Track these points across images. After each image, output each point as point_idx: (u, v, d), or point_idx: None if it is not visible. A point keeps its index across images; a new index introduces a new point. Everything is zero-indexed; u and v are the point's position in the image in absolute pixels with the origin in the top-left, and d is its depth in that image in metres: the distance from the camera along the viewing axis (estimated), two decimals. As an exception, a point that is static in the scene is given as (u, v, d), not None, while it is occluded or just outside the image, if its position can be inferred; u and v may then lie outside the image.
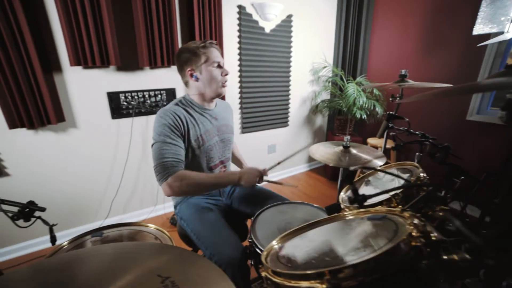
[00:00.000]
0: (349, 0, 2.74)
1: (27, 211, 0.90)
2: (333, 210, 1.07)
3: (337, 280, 0.42)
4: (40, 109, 1.62)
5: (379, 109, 2.55)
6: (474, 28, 1.78)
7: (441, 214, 0.69)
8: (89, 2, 1.56)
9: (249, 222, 1.20)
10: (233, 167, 1.45)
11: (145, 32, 1.78)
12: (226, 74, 1.17)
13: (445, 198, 0.75)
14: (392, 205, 0.71)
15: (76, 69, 1.73)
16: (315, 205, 1.20)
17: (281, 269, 0.51)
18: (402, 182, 0.83)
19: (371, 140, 2.60)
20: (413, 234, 0.46)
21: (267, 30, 2.43)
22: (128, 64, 1.87)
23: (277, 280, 0.51)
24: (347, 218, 0.70)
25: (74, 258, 0.56)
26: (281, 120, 2.85)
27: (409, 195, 0.75)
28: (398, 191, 0.71)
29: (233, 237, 1.02)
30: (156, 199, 2.32)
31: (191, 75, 1.14)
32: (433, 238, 0.45)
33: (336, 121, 2.90)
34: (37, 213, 0.93)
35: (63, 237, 1.95)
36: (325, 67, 2.84)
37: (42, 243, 1.90)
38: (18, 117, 1.57)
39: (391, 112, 1.34)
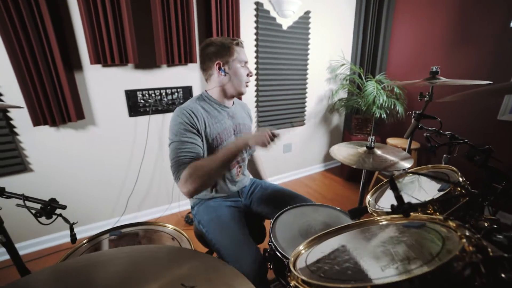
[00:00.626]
0: (369, -5, 2.64)
1: (49, 209, 0.91)
2: (357, 213, 1.02)
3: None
4: (62, 107, 1.66)
5: (399, 108, 2.45)
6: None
7: (486, 224, 0.63)
8: (109, 1, 1.57)
9: (267, 223, 1.17)
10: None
11: (163, 30, 1.77)
12: (251, 75, 1.17)
13: (482, 205, 0.69)
14: (428, 211, 0.65)
15: (96, 67, 1.75)
16: (337, 207, 1.16)
17: (314, 280, 0.47)
18: (434, 186, 0.77)
19: (391, 140, 2.50)
20: (466, 248, 0.41)
21: (285, 27, 2.37)
22: (146, 62, 1.88)
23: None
24: (379, 223, 0.65)
25: (94, 261, 0.54)
26: (297, 119, 2.79)
27: (446, 202, 0.69)
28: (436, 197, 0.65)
29: (253, 248, 0.99)
30: (171, 197, 2.33)
31: (219, 68, 1.11)
32: (490, 254, 0.40)
33: (354, 120, 2.81)
34: (58, 211, 0.93)
35: (82, 233, 2.00)
36: (343, 64, 2.76)
37: (63, 237, 1.95)
38: (41, 114, 1.61)
39: (418, 111, 1.27)
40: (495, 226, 0.62)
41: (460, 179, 0.70)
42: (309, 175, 3.15)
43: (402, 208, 0.41)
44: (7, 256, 0.93)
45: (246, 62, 1.15)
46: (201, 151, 1.05)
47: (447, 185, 0.69)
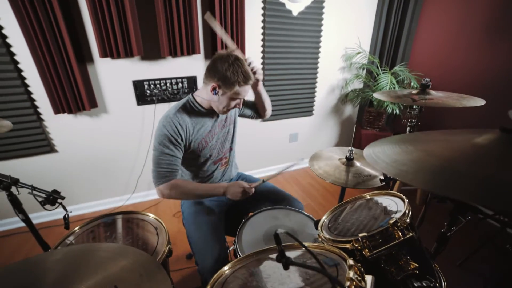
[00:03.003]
0: (397, -27, 2.35)
1: (51, 198, 1.08)
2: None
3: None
4: (76, 97, 1.83)
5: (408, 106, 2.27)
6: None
7: (410, 267, 0.64)
8: (112, -4, 1.62)
9: None
10: (244, 149, 1.48)
11: (165, 23, 1.80)
12: (239, 108, 1.23)
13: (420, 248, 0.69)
14: (359, 247, 0.68)
15: (106, 60, 1.87)
16: (306, 214, 1.20)
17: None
18: (381, 218, 0.77)
19: (402, 138, 2.37)
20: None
21: (295, 13, 2.25)
22: (151, 54, 1.95)
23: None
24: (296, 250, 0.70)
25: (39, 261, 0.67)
26: (305, 109, 2.74)
27: (385, 235, 0.70)
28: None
29: (219, 247, 1.08)
30: (178, 179, 2.52)
31: (213, 89, 1.10)
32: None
33: (366, 113, 2.68)
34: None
35: (97, 206, 2.31)
36: (359, 53, 2.57)
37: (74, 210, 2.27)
38: (60, 104, 1.80)
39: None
40: (416, 272, 0.63)
41: (402, 214, 0.70)
42: (295, 169, 3.10)
43: (281, 261, 0.46)
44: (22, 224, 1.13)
45: (242, 98, 1.16)
46: (179, 163, 1.16)
47: (386, 222, 0.70)
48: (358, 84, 2.83)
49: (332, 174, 1.15)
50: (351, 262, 0.57)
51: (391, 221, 0.69)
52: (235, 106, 1.16)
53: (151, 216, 1.18)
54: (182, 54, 1.94)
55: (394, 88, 2.25)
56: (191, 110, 1.19)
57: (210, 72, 1.09)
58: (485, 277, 1.56)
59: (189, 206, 1.31)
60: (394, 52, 2.62)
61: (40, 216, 2.13)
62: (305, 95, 2.65)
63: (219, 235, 1.16)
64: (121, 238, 1.05)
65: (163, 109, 2.17)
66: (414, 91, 1.09)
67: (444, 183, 0.50)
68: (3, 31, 1.60)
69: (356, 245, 0.70)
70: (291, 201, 1.32)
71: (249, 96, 1.25)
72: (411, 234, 0.67)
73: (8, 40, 1.62)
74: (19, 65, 1.70)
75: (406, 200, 0.79)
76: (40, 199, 1.09)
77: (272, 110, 2.54)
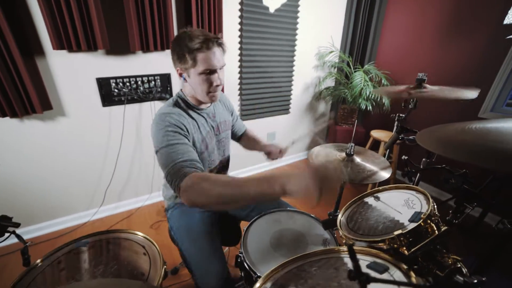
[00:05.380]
0: (364, -23, 2.47)
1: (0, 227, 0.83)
2: (329, 225, 1.03)
3: None
4: (23, 97, 1.51)
5: (386, 101, 2.42)
6: (506, 17, 1.60)
7: (450, 262, 0.63)
8: (69, -24, 1.37)
9: (243, 224, 1.16)
10: (240, 157, 1.37)
11: (136, 12, 1.60)
12: (218, 85, 0.98)
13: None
14: (395, 245, 0.65)
15: (61, 53, 1.58)
16: (312, 215, 1.15)
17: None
18: (406, 214, 0.76)
19: (375, 133, 2.51)
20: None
21: (272, 10, 2.21)
22: (119, 48, 1.71)
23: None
24: (343, 258, 0.65)
25: None
26: (282, 107, 2.72)
27: (418, 231, 0.68)
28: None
29: (221, 264, 0.98)
30: (151, 187, 2.29)
31: (180, 75, 1.00)
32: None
33: (340, 110, 2.78)
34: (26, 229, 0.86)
35: (59, 224, 1.97)
36: (331, 51, 2.65)
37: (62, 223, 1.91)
38: (-1, 106, 1.47)
39: (401, 115, 1.24)
40: (458, 266, 0.63)
41: (432, 208, 0.70)
42: (293, 162, 3.16)
43: (359, 279, 0.39)
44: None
45: (209, 70, 0.93)
46: (196, 155, 0.90)
47: (419, 216, 0.69)
48: (330, 82, 2.92)
49: (337, 171, 1.12)
50: (404, 266, 0.54)
51: (423, 216, 0.67)
52: (213, 85, 0.96)
53: (137, 233, 1.01)
54: (155, 49, 1.75)
55: (368, 85, 2.37)
56: (184, 106, 1.04)
57: (172, 58, 0.98)
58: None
59: (178, 219, 1.16)
60: (363, 50, 2.76)
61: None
62: (282, 93, 2.64)
63: (219, 250, 1.05)
64: (103, 266, 0.85)
65: (134, 110, 1.94)
66: (411, 86, 1.12)
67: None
68: None
69: (392, 244, 0.67)
70: (281, 204, 1.26)
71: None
72: (446, 227, 0.67)
73: None
74: None
75: (428, 194, 0.79)
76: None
77: (250, 109, 2.49)
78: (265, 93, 2.51)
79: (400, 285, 0.40)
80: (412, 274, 0.50)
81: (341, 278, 0.59)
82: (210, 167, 1.17)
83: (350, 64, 2.65)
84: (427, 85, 1.08)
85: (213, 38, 0.91)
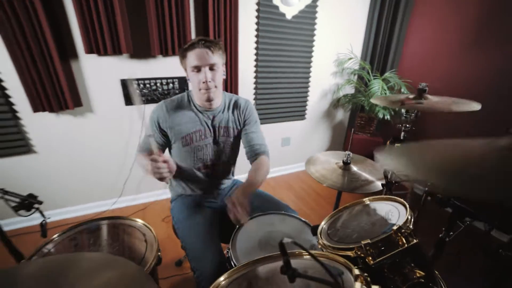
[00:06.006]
0: (388, -17, 2.40)
1: (27, 203, 0.98)
2: (316, 231, 1.03)
3: None
4: (58, 95, 1.72)
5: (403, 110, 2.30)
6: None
7: (415, 276, 0.61)
8: (100, -10, 1.55)
9: None
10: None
11: (156, 20, 1.74)
12: (204, 82, 1.07)
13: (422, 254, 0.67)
14: (362, 254, 0.64)
15: (92, 57, 1.78)
16: (303, 219, 1.15)
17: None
18: (383, 225, 0.74)
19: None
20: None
21: (288, 17, 2.24)
22: (141, 52, 1.88)
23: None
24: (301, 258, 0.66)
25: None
26: (298, 113, 2.73)
27: (389, 243, 0.67)
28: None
29: (216, 252, 1.03)
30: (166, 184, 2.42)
31: (187, 76, 1.15)
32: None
33: (358, 118, 2.70)
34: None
35: (80, 211, 2.17)
36: (350, 58, 2.60)
37: (63, 213, 2.13)
38: (40, 101, 1.69)
39: (404, 126, 1.20)
40: (421, 280, 0.61)
41: (407, 221, 0.67)
42: (290, 173, 3.07)
43: (287, 273, 0.41)
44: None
45: (196, 67, 1.06)
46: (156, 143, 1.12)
47: (389, 228, 0.67)
48: (349, 89, 2.86)
49: (329, 178, 1.12)
50: (356, 271, 0.54)
51: (395, 227, 0.66)
52: (204, 82, 1.07)
53: (139, 221, 1.11)
54: (173, 53, 1.88)
55: (386, 94, 2.28)
56: (185, 102, 1.20)
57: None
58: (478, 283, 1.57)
59: (180, 211, 1.24)
60: (385, 58, 2.66)
61: (13, 222, 1.98)
62: (298, 99, 2.64)
63: (216, 241, 1.11)
64: (107, 246, 0.97)
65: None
66: (411, 96, 1.08)
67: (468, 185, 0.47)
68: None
69: (359, 253, 0.66)
70: (280, 207, 1.27)
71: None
72: (415, 240, 0.65)
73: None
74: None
75: (408, 206, 0.77)
76: (13, 204, 0.99)
77: (265, 114, 2.53)
78: (280, 98, 2.54)
79: (323, 283, 0.41)
80: (362, 280, 0.50)
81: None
82: (197, 164, 1.24)
83: (370, 71, 2.57)
84: (429, 96, 1.03)
85: (199, 40, 1.05)
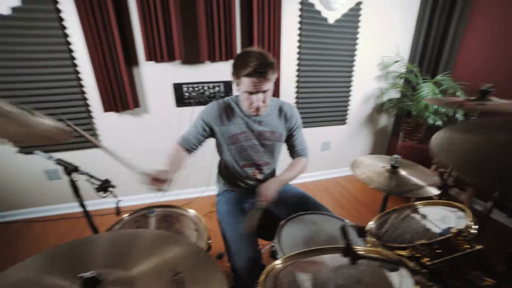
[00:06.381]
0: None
1: (104, 186, 1.16)
2: (362, 232, 1.01)
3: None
4: (122, 97, 1.96)
5: (459, 115, 2.12)
6: None
7: (483, 284, 0.57)
8: (160, 5, 1.74)
9: None
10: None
11: (206, 29, 1.90)
12: (256, 108, 1.14)
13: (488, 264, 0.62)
14: (417, 255, 0.63)
15: (150, 64, 2.00)
16: (347, 220, 1.14)
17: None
18: (439, 228, 0.71)
19: (444, 151, 2.22)
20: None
21: (331, 21, 2.25)
22: (191, 58, 2.05)
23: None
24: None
25: (99, 241, 0.70)
26: (338, 118, 2.68)
27: (447, 246, 0.65)
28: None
29: (253, 248, 1.08)
30: (209, 181, 2.56)
31: (237, 88, 1.18)
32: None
33: (403, 124, 2.56)
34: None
35: (132, 201, 2.40)
36: (396, 61, 2.48)
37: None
38: (108, 102, 1.94)
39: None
40: None
41: (468, 225, 0.64)
42: (346, 176, 3.03)
43: (348, 255, 0.43)
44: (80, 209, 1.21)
45: (250, 92, 1.10)
46: (196, 143, 1.31)
47: (447, 230, 0.64)
48: (394, 94, 2.73)
49: (376, 180, 1.10)
50: (413, 265, 0.53)
51: (454, 230, 0.63)
52: (257, 106, 1.13)
53: (191, 211, 1.21)
54: (220, 59, 2.01)
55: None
56: (235, 105, 1.27)
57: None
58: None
59: (224, 206, 1.32)
60: (436, 60, 2.49)
61: (91, 204, 2.26)
62: (339, 103, 2.60)
63: (254, 238, 1.16)
64: (162, 230, 1.08)
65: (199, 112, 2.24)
66: (471, 98, 1.01)
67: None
68: (68, 34, 1.78)
69: (414, 253, 0.65)
70: (321, 208, 1.27)
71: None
72: (480, 246, 0.61)
73: (70, 41, 1.81)
74: (77, 68, 1.87)
75: (469, 211, 0.73)
76: (94, 186, 1.18)
77: (306, 118, 2.54)
78: (321, 102, 2.54)
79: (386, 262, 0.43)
80: (420, 274, 0.50)
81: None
82: (240, 163, 1.32)
83: (418, 75, 2.43)
84: (493, 98, 0.96)
85: (255, 69, 1.04)
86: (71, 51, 1.82)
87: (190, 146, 1.30)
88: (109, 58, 1.81)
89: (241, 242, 1.09)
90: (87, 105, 1.98)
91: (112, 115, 2.06)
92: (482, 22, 2.24)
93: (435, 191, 1.01)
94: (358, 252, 0.43)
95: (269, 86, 1.12)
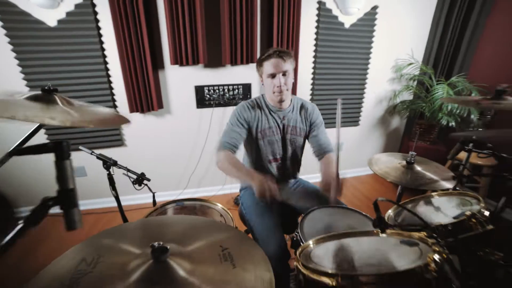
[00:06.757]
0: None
1: (140, 179, 1.28)
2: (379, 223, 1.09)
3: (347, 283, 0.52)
4: (148, 99, 2.10)
5: (474, 116, 2.16)
6: None
7: (492, 258, 0.65)
8: (188, 11, 1.87)
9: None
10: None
11: (229, 34, 2.01)
12: (278, 86, 1.25)
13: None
14: (434, 234, 0.70)
15: (174, 67, 2.13)
16: (364, 213, 1.22)
17: (310, 264, 0.63)
18: (453, 213, 0.78)
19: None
20: (429, 267, 0.50)
21: (347, 25, 2.33)
22: (213, 62, 2.17)
23: (304, 271, 0.63)
24: (380, 236, 0.74)
25: (165, 221, 0.82)
26: (351, 119, 2.75)
27: (461, 227, 0.72)
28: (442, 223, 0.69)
29: (280, 236, 1.17)
30: (225, 180, 2.67)
31: (262, 81, 1.34)
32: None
33: (416, 125, 2.60)
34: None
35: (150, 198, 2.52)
36: (410, 64, 2.54)
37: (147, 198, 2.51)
38: (135, 104, 2.09)
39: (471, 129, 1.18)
40: (501, 262, 0.64)
41: (482, 210, 0.71)
42: (358, 176, 3.08)
43: (379, 226, 0.52)
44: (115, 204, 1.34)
45: (272, 74, 1.25)
46: (239, 139, 1.33)
47: (462, 213, 0.72)
48: (407, 96, 2.78)
49: (393, 174, 1.18)
50: (433, 241, 0.61)
51: (468, 213, 0.71)
52: (280, 89, 1.25)
53: (219, 205, 1.32)
54: (241, 62, 2.13)
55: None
56: (259, 102, 1.39)
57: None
58: None
59: (249, 198, 1.42)
60: (451, 62, 2.53)
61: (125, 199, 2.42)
62: (352, 105, 2.68)
63: (279, 226, 1.25)
64: None
65: (219, 113, 2.37)
66: (488, 97, 1.08)
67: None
68: (103, 41, 1.94)
69: (431, 233, 0.72)
70: (339, 202, 1.36)
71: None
72: (492, 227, 0.68)
73: (104, 47, 1.96)
74: (109, 71, 2.02)
75: (482, 198, 0.80)
76: (131, 179, 1.30)
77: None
78: (335, 104, 2.60)
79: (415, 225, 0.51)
80: (439, 248, 0.58)
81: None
82: (269, 156, 1.42)
83: (432, 76, 2.48)
84: (509, 97, 1.02)
85: (274, 51, 1.24)
86: (105, 56, 1.98)
87: (235, 146, 1.32)
88: (139, 64, 1.95)
89: (270, 230, 1.19)
90: (115, 106, 2.13)
91: (137, 115, 2.20)
92: (500, 24, 2.26)
93: (449, 185, 1.08)
94: (388, 224, 0.52)
95: (288, 67, 1.25)
